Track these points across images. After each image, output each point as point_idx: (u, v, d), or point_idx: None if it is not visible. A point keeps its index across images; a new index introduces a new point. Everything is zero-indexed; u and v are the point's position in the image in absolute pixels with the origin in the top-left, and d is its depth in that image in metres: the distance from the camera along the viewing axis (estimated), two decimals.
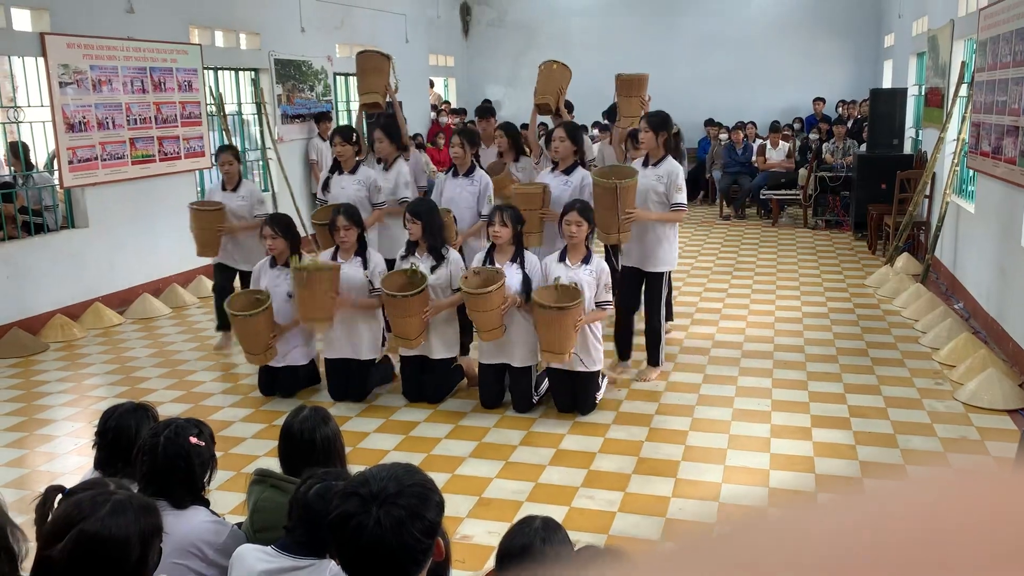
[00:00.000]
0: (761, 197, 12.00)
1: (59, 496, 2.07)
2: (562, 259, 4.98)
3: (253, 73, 10.10)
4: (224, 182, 6.51)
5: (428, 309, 5.06)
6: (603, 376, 5.15)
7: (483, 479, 4.22)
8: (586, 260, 4.94)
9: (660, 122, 5.33)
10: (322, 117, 10.80)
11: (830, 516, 0.33)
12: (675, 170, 5.34)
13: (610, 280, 5.05)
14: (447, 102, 15.16)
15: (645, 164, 5.40)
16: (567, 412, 4.99)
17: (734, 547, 0.32)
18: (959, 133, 7.47)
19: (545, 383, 5.17)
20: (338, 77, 11.82)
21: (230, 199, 6.39)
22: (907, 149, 10.50)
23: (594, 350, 4.94)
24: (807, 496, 3.98)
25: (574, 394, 4.99)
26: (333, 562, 2.19)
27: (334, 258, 5.30)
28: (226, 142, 8.53)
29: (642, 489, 4.07)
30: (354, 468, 2.43)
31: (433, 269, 5.12)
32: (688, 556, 0.33)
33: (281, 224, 5.43)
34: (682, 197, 5.34)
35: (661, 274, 5.50)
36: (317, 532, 2.21)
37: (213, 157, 7.22)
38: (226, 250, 6.40)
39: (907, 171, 9.28)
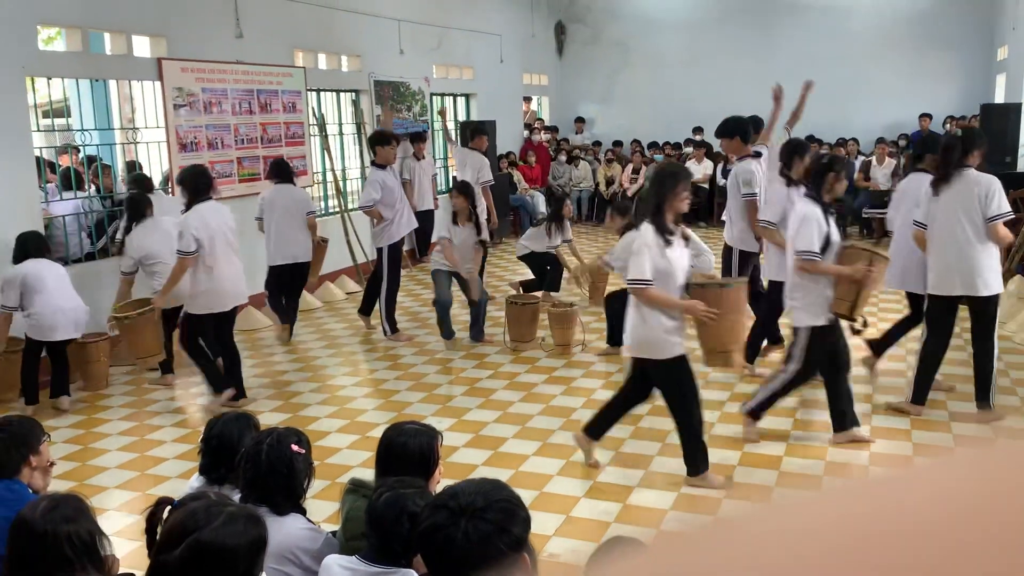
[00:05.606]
0: (864, 216, 11.62)
1: (168, 507, 2.18)
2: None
3: (354, 94, 10.42)
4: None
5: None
6: None
7: (571, 498, 4.21)
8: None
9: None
10: (417, 137, 11.03)
11: (826, 510, 0.31)
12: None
13: None
14: (540, 119, 15.28)
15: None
16: None
17: (725, 545, 0.31)
18: None
19: None
20: (434, 97, 12.07)
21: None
22: (1021, 167, 10.01)
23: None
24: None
25: None
26: (412, 572, 2.23)
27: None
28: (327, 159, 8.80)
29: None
30: (444, 482, 2.47)
31: None
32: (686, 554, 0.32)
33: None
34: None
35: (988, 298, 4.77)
36: (388, 541, 2.25)
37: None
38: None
39: (1020, 190, 8.84)
